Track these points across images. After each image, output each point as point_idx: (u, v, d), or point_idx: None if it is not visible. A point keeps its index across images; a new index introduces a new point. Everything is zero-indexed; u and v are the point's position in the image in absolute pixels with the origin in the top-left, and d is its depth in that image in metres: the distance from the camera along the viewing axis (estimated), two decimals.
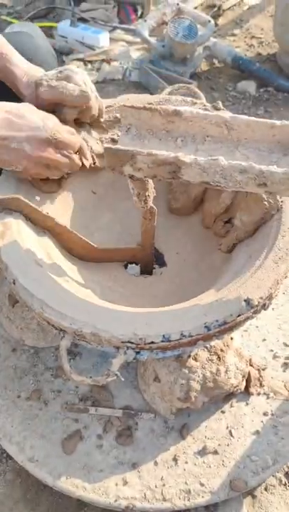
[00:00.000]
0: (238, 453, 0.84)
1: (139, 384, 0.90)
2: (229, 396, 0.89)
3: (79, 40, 1.71)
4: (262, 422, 0.88)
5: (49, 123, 0.72)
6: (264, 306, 0.67)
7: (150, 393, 0.86)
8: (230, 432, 0.87)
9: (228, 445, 0.85)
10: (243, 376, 0.85)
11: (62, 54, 1.71)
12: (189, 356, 0.80)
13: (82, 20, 1.76)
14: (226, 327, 0.64)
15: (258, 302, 0.65)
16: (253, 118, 0.60)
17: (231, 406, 0.89)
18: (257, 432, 0.87)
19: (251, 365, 0.91)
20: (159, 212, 0.81)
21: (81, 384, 0.64)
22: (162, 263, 0.90)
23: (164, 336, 0.63)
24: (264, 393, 0.91)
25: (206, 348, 0.81)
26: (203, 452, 0.84)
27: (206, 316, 0.63)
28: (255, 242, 0.75)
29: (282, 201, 0.73)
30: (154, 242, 0.82)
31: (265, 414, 0.88)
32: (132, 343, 0.63)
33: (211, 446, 0.84)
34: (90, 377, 0.64)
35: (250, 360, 0.91)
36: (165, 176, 0.61)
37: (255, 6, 1.95)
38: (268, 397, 0.90)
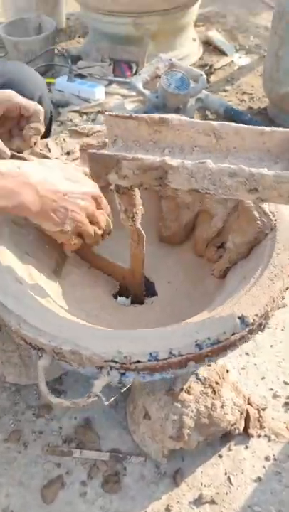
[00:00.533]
0: (239, 503, 0.76)
1: (128, 424, 0.83)
2: (227, 437, 0.81)
3: (75, 93, 1.77)
4: (264, 467, 0.80)
5: (91, 181, 0.67)
6: (260, 327, 0.62)
7: (140, 433, 0.79)
8: (228, 479, 0.78)
9: (226, 493, 0.76)
10: (241, 414, 0.78)
11: (59, 106, 1.76)
12: (182, 389, 0.74)
13: (80, 76, 1.83)
14: (220, 346, 0.59)
15: (254, 320, 0.60)
16: (241, 125, 0.59)
17: (229, 449, 0.81)
18: (259, 479, 0.78)
19: (250, 404, 0.84)
20: (149, 241, 0.79)
21: (57, 407, 0.57)
22: (153, 293, 0.85)
23: (151, 354, 0.57)
24: (265, 435, 0.83)
25: (200, 380, 0.75)
26: (199, 502, 0.76)
27: (197, 334, 0.58)
28: (249, 262, 0.71)
29: (275, 219, 0.71)
30: (143, 269, 0.78)
31: (266, 458, 0.80)
32: (115, 362, 0.57)
33: (208, 495, 0.76)
34: (70, 399, 0.57)
35: (249, 399, 0.84)
36: (152, 183, 0.59)
37: (245, 67, 2.03)
38: (269, 440, 0.82)
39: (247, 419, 0.82)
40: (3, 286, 0.63)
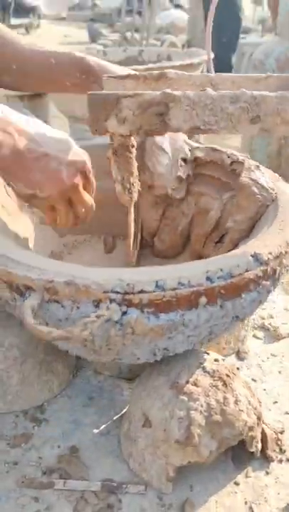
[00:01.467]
0: None
1: (122, 449, 0.69)
2: (242, 461, 0.68)
3: None
4: None
5: (86, 156, 0.64)
6: (275, 274, 0.56)
7: (138, 452, 0.65)
8: (250, 509, 0.63)
9: None
10: (258, 419, 0.66)
11: None
12: (187, 382, 0.63)
13: None
14: (233, 283, 0.52)
15: (268, 258, 0.54)
16: (237, 74, 0.61)
17: (247, 476, 0.67)
18: (287, 509, 0.63)
19: (265, 424, 0.71)
20: (143, 258, 0.75)
21: (47, 339, 0.47)
22: None
23: (157, 283, 0.50)
24: (287, 460, 0.69)
25: (208, 373, 0.65)
26: None
27: (208, 265, 0.52)
28: (252, 237, 0.67)
29: (276, 193, 0.69)
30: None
31: None
32: (116, 292, 0.49)
33: None
34: (64, 329, 0.48)
35: (263, 421, 0.72)
36: (152, 122, 0.58)
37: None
38: None
39: (264, 439, 0.69)
40: None
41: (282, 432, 0.73)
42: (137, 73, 0.63)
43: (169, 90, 0.56)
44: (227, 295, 0.53)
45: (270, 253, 0.55)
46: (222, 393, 0.63)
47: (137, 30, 5.03)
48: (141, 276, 0.50)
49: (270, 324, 0.95)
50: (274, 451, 0.70)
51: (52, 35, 6.84)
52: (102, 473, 0.67)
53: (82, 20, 8.90)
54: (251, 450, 0.66)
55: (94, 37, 6.83)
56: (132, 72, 0.63)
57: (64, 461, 0.68)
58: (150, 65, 1.91)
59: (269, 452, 0.69)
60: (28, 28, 7.45)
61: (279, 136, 1.85)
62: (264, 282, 0.56)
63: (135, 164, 0.66)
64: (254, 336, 0.93)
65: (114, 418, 0.75)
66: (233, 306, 0.54)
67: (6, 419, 0.74)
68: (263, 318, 0.97)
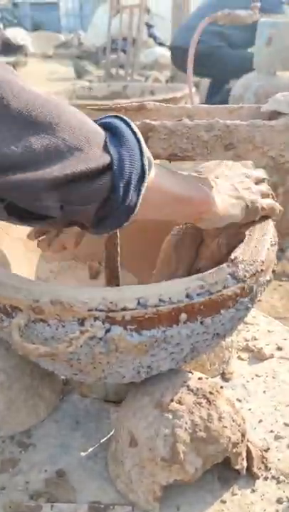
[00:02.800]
0: None
1: (109, 470, 0.69)
2: (227, 480, 0.68)
3: None
4: (277, 511, 0.65)
5: None
6: (252, 291, 0.59)
7: (125, 473, 0.65)
8: None
9: None
10: (243, 436, 0.67)
11: None
12: (172, 400, 0.65)
13: None
14: (211, 299, 0.54)
15: (244, 276, 0.57)
16: (212, 106, 0.65)
17: (233, 494, 0.68)
18: None
19: (250, 442, 0.73)
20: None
21: (33, 356, 0.49)
22: None
23: (139, 300, 0.52)
24: (273, 477, 0.70)
25: (192, 391, 0.66)
26: None
27: (188, 283, 0.54)
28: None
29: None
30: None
31: (279, 501, 0.67)
32: (100, 310, 0.51)
33: None
34: (48, 346, 0.49)
35: (248, 439, 0.73)
36: None
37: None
38: (278, 482, 0.70)
39: (249, 457, 0.70)
40: None
41: (267, 450, 0.74)
42: (118, 105, 0.67)
43: (148, 120, 0.60)
44: (206, 312, 0.55)
45: (247, 271, 0.58)
46: (206, 410, 0.64)
47: (121, 67, 5.19)
48: (123, 294, 0.53)
49: (254, 346, 0.97)
50: (259, 468, 0.71)
51: (39, 72, 7.01)
52: (89, 495, 0.67)
53: (69, 58, 9.16)
54: (237, 467, 0.67)
55: (80, 74, 7.03)
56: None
57: (51, 485, 0.68)
58: (134, 100, 1.98)
59: (254, 470, 0.70)
60: (15, 66, 7.64)
61: (259, 166, 1.91)
62: (242, 299, 0.58)
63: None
64: (238, 357, 0.95)
65: (102, 441, 0.76)
66: (212, 322, 0.57)
67: None
68: (247, 340, 0.99)
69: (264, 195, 0.67)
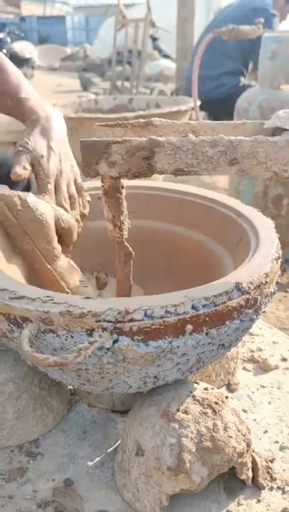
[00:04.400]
0: None
1: (116, 480, 0.70)
2: (233, 489, 0.69)
3: None
4: None
5: None
6: (256, 302, 0.60)
7: (132, 483, 0.66)
8: None
9: None
10: (248, 446, 0.68)
11: None
12: (178, 410, 0.66)
13: None
14: (217, 310, 0.56)
15: (249, 287, 0.58)
16: (216, 122, 0.67)
17: (239, 504, 0.68)
18: None
19: (255, 453, 0.73)
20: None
21: (43, 365, 0.50)
22: None
23: (146, 311, 0.54)
24: (278, 487, 0.71)
25: (198, 401, 0.67)
26: None
27: (193, 294, 0.56)
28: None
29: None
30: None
31: (284, 511, 0.67)
32: (108, 321, 0.53)
33: None
34: (58, 356, 0.50)
35: (253, 449, 0.74)
36: (140, 166, 0.63)
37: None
38: (283, 492, 0.70)
39: (255, 468, 0.71)
40: None
41: (272, 461, 0.74)
42: (124, 122, 0.69)
43: (154, 137, 0.62)
44: (212, 323, 0.56)
45: (251, 283, 0.59)
46: (211, 420, 0.65)
47: (127, 79, 5.25)
48: (131, 305, 0.54)
49: (259, 357, 0.98)
50: (265, 479, 0.71)
51: (46, 85, 7.10)
52: (96, 505, 0.68)
53: (75, 70, 9.28)
54: (242, 477, 0.68)
55: (86, 86, 7.12)
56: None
57: (59, 494, 0.69)
58: (140, 112, 2.01)
59: (260, 480, 0.70)
60: None
61: (265, 178, 1.94)
62: (246, 310, 0.59)
63: (125, 204, 0.70)
64: (244, 368, 0.96)
65: (108, 451, 0.76)
66: (218, 333, 0.58)
67: (1, 454, 0.75)
68: (252, 351, 1.00)
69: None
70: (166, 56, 8.16)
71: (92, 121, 2.00)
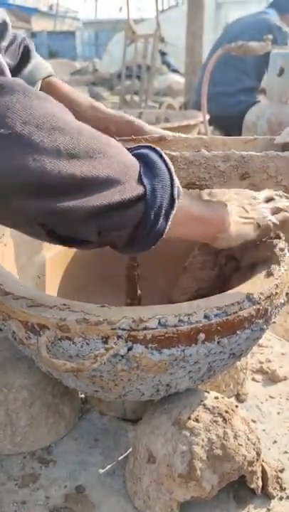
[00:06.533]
0: None
1: (127, 487, 0.71)
2: (242, 498, 0.70)
3: None
4: None
5: None
6: (267, 313, 0.62)
7: (143, 490, 0.67)
8: None
9: None
10: (258, 455, 0.69)
11: None
12: (189, 418, 0.67)
13: None
14: (228, 320, 0.57)
15: (259, 298, 0.60)
16: (227, 137, 0.69)
17: None
18: None
19: (265, 462, 0.74)
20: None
21: (60, 371, 0.51)
22: None
23: (160, 320, 0.55)
24: (287, 497, 0.72)
25: (208, 409, 0.68)
26: None
27: (206, 304, 0.57)
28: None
29: None
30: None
31: None
32: (123, 329, 0.55)
33: None
34: (74, 362, 0.52)
35: (262, 458, 0.75)
36: None
37: None
38: None
39: (264, 477, 0.72)
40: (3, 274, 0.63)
41: (282, 471, 0.75)
42: (138, 137, 0.71)
43: (168, 151, 0.64)
44: (223, 332, 0.58)
45: (262, 293, 0.61)
46: (222, 428, 0.66)
47: (136, 93, 5.32)
48: (145, 314, 0.56)
49: (268, 368, 0.99)
50: (274, 488, 0.72)
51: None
52: (108, 511, 0.69)
53: (84, 84, 9.40)
54: (252, 486, 0.69)
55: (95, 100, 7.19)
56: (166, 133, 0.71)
57: (71, 500, 0.70)
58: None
59: (270, 490, 0.71)
60: None
61: None
62: (257, 320, 0.61)
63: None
64: (253, 379, 0.97)
65: (119, 458, 0.78)
66: (229, 342, 0.59)
67: (14, 460, 0.76)
68: (261, 362, 1.01)
69: (274, 212, 0.70)
70: (174, 70, 8.25)
71: None
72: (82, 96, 0.84)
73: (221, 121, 2.48)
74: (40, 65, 0.80)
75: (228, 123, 2.49)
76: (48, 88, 0.80)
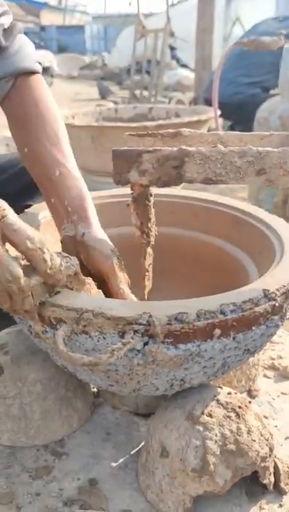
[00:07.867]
0: None
1: (140, 480, 0.72)
2: (255, 493, 0.70)
3: None
4: None
5: None
6: (282, 309, 0.62)
7: (156, 484, 0.68)
8: None
9: None
10: (270, 450, 0.69)
11: None
12: (202, 413, 0.67)
13: None
14: (244, 316, 0.57)
15: (275, 294, 0.60)
16: (244, 132, 0.69)
17: (261, 508, 0.69)
18: None
19: (277, 458, 0.74)
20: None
21: (77, 364, 0.52)
22: None
23: (176, 315, 0.55)
24: None
25: (222, 405, 0.68)
26: None
27: (222, 300, 0.58)
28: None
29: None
30: None
31: None
32: (140, 324, 0.55)
33: None
34: (91, 356, 0.52)
35: (275, 454, 0.75)
36: (170, 174, 0.65)
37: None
38: None
39: (276, 473, 0.72)
40: None
41: None
42: (154, 132, 0.71)
43: (184, 147, 0.64)
44: (239, 328, 0.58)
45: (278, 290, 0.61)
46: (235, 424, 0.66)
47: (145, 88, 5.31)
48: (161, 309, 0.56)
49: (279, 364, 0.99)
50: (287, 484, 0.72)
51: (65, 93, 7.21)
52: (121, 504, 0.69)
53: (93, 79, 9.39)
54: (264, 482, 0.69)
55: (104, 94, 7.20)
56: None
57: (84, 493, 0.71)
58: (160, 122, 2.04)
59: (282, 485, 0.71)
60: None
61: (284, 188, 1.95)
62: (273, 317, 0.61)
63: (153, 211, 0.72)
64: (264, 375, 0.97)
65: (132, 452, 0.78)
66: (244, 338, 0.59)
67: (27, 453, 0.77)
68: (273, 359, 1.01)
69: None
70: (183, 66, 8.22)
71: (113, 130, 2.03)
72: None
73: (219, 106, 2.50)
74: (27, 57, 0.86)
75: (226, 110, 2.49)
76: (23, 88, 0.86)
